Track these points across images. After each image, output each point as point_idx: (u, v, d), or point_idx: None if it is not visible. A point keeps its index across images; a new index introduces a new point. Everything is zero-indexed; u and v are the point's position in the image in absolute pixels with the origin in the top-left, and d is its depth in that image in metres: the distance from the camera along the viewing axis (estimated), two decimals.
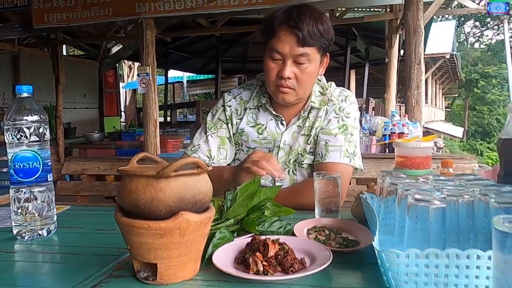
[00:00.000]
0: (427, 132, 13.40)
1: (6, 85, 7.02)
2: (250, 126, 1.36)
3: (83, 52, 9.68)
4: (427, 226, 0.70)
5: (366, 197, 0.96)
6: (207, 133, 1.38)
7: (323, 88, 1.36)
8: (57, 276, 0.78)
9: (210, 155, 1.35)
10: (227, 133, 1.38)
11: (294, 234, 0.91)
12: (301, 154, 1.32)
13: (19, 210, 0.98)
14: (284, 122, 1.34)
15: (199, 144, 1.38)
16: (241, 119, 1.37)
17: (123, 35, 7.68)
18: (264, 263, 0.71)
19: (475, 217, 0.73)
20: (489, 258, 0.57)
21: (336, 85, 1.42)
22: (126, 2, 4.60)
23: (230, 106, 1.38)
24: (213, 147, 1.36)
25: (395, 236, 0.81)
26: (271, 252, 0.73)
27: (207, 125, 1.40)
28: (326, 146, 1.28)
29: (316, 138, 1.32)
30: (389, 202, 0.87)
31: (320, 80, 1.37)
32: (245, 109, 1.37)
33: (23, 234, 0.98)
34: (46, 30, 5.42)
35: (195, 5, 4.46)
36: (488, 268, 0.57)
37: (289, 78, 1.20)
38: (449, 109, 27.27)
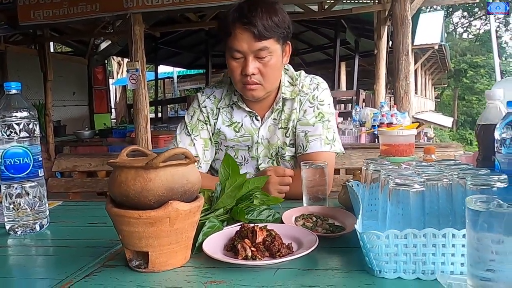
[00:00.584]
0: (417, 123, 13.53)
1: None
2: (226, 125, 1.36)
3: (71, 49, 9.57)
4: (408, 210, 0.73)
5: (352, 185, 0.99)
6: (191, 136, 1.37)
7: (292, 78, 1.36)
8: (51, 268, 0.80)
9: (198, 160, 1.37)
10: (208, 134, 1.38)
11: (282, 222, 0.93)
12: (281, 147, 1.34)
13: (11, 206, 0.99)
14: (258, 117, 1.34)
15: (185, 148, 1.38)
16: (216, 119, 1.37)
17: (111, 31, 7.61)
18: (252, 248, 0.73)
19: (454, 200, 0.76)
20: (464, 236, 0.59)
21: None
22: None
23: (205, 107, 1.38)
24: (199, 150, 1.36)
25: (379, 221, 0.84)
26: (259, 238, 0.75)
27: (188, 127, 1.38)
28: (306, 137, 1.30)
29: (294, 131, 1.33)
30: (373, 188, 0.90)
31: (288, 70, 1.37)
32: (219, 108, 1.37)
33: (16, 229, 1.00)
34: (33, 27, 5.36)
35: None
36: (463, 246, 0.60)
37: (253, 74, 1.20)
38: (439, 99, 27.51)
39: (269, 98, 1.33)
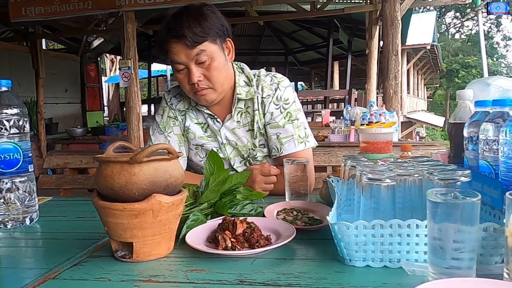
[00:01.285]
0: (409, 122, 13.64)
1: None
2: (195, 123, 1.38)
3: (63, 46, 9.53)
4: (380, 203, 0.77)
5: (332, 180, 1.03)
6: (164, 134, 1.38)
7: (248, 79, 1.35)
8: (40, 258, 0.83)
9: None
10: (181, 131, 1.39)
11: (265, 216, 0.97)
12: (252, 149, 1.35)
13: (2, 200, 1.02)
14: (219, 119, 1.35)
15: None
16: (184, 116, 1.39)
17: (104, 28, 7.59)
18: (232, 239, 0.77)
19: (424, 194, 0.81)
20: (427, 226, 0.64)
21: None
22: None
23: (172, 104, 1.40)
24: (175, 146, 1.35)
25: (354, 214, 0.88)
26: (239, 230, 0.79)
27: (160, 126, 1.39)
28: (278, 139, 1.32)
29: (261, 132, 1.34)
30: (350, 183, 0.94)
31: (243, 69, 1.37)
32: (184, 110, 1.39)
33: (6, 223, 1.03)
34: (24, 23, 5.34)
35: None
36: (426, 235, 0.65)
37: (199, 80, 1.22)
38: (431, 99, 27.75)
39: (226, 99, 1.33)
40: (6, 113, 1.00)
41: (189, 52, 1.18)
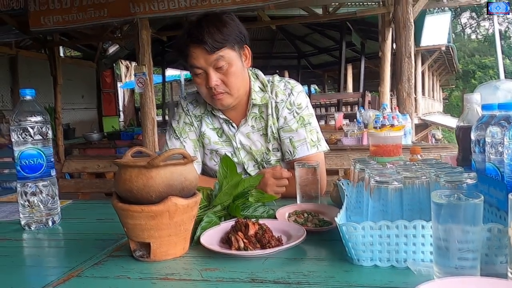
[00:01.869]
0: (424, 124, 13.47)
1: (5, 88, 7.11)
2: (210, 129, 1.42)
3: (80, 53, 9.75)
4: (388, 205, 0.80)
5: (342, 183, 1.06)
6: (180, 139, 1.42)
7: (263, 84, 1.39)
8: (62, 257, 0.88)
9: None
10: (196, 136, 1.44)
11: (276, 218, 1.00)
12: (265, 153, 1.39)
13: (26, 203, 1.08)
14: (234, 124, 1.39)
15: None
16: (200, 122, 1.43)
17: (119, 35, 7.75)
18: (244, 240, 0.80)
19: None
20: (432, 227, 0.66)
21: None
22: (121, 3, 4.67)
23: (188, 110, 1.44)
24: (190, 152, 1.39)
25: (363, 216, 0.90)
26: (251, 231, 0.82)
27: (176, 131, 1.43)
28: (291, 143, 1.35)
29: (275, 137, 1.38)
30: (360, 186, 0.97)
31: (258, 76, 1.41)
32: (200, 114, 1.43)
33: (30, 225, 1.08)
34: (43, 32, 5.49)
35: (189, 4, 4.53)
36: (431, 236, 0.67)
37: (217, 85, 1.26)
38: (447, 101, 27.35)
39: (241, 105, 1.37)
40: (30, 120, 1.06)
41: (208, 57, 1.23)
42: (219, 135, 1.42)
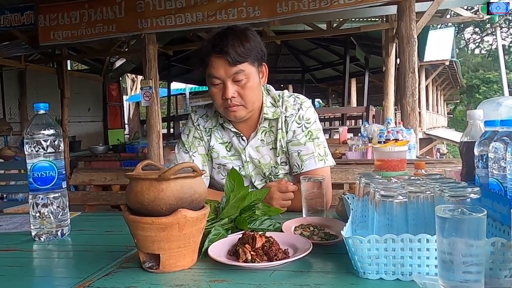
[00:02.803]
0: (429, 139, 13.45)
1: (13, 100, 7.22)
2: (219, 143, 1.44)
3: (87, 67, 9.90)
4: (393, 220, 0.81)
5: (348, 197, 1.07)
6: (189, 153, 1.44)
7: (274, 99, 1.43)
8: (72, 268, 0.90)
9: None
10: (205, 150, 1.46)
11: (282, 231, 1.02)
12: (274, 167, 1.42)
13: (37, 214, 1.10)
14: (244, 138, 1.42)
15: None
16: (210, 136, 1.46)
17: (126, 49, 7.88)
18: (252, 253, 0.82)
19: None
20: (436, 241, 0.67)
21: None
22: (129, 19, 4.77)
23: (199, 125, 1.47)
24: (199, 166, 1.39)
25: (368, 230, 0.91)
26: (258, 244, 0.84)
27: (186, 146, 1.46)
28: (299, 156, 1.38)
29: (284, 150, 1.41)
30: (365, 200, 0.98)
31: (269, 91, 1.45)
32: (211, 128, 1.46)
33: (40, 236, 1.10)
34: (52, 46, 5.61)
35: (196, 20, 4.62)
36: (436, 249, 0.68)
37: (233, 97, 1.29)
38: (452, 115, 27.32)
39: (252, 119, 1.40)
40: (43, 133, 1.09)
41: (229, 69, 1.26)
42: (228, 149, 1.44)
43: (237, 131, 1.42)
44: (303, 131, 1.39)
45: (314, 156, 1.38)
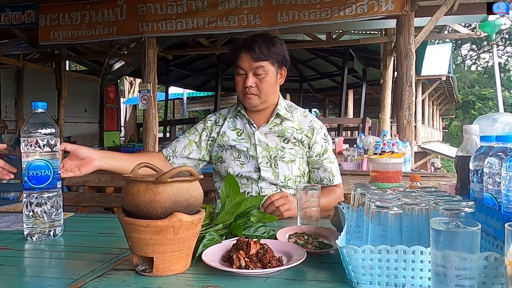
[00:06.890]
0: (424, 153, 13.51)
1: (9, 99, 7.19)
2: (231, 130, 1.64)
3: (85, 68, 9.89)
4: (388, 231, 0.81)
5: (343, 207, 1.07)
6: (182, 136, 1.70)
7: (288, 105, 1.65)
8: (64, 269, 0.89)
9: (174, 150, 1.64)
10: (196, 138, 1.67)
11: (277, 239, 1.02)
12: (280, 150, 1.58)
13: (31, 213, 1.09)
14: (255, 125, 1.61)
15: (172, 143, 1.70)
16: (221, 125, 1.66)
17: (125, 52, 7.89)
18: (246, 259, 0.82)
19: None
20: (430, 253, 0.67)
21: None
22: (130, 22, 4.79)
23: (210, 120, 1.70)
24: (180, 145, 1.65)
25: (363, 240, 0.92)
26: (253, 250, 0.84)
27: (188, 131, 1.71)
28: (331, 172, 1.60)
29: (294, 142, 1.57)
30: (360, 211, 0.99)
31: (284, 98, 1.67)
32: (225, 119, 1.67)
33: (33, 235, 1.09)
34: (52, 46, 5.62)
35: (196, 25, 4.64)
36: (430, 262, 0.68)
37: (251, 86, 1.51)
38: (447, 130, 27.51)
39: (266, 112, 1.61)
40: (40, 132, 1.08)
41: (252, 63, 1.49)
42: (238, 135, 1.62)
43: (250, 118, 1.61)
44: (328, 149, 1.61)
45: (338, 172, 1.63)
